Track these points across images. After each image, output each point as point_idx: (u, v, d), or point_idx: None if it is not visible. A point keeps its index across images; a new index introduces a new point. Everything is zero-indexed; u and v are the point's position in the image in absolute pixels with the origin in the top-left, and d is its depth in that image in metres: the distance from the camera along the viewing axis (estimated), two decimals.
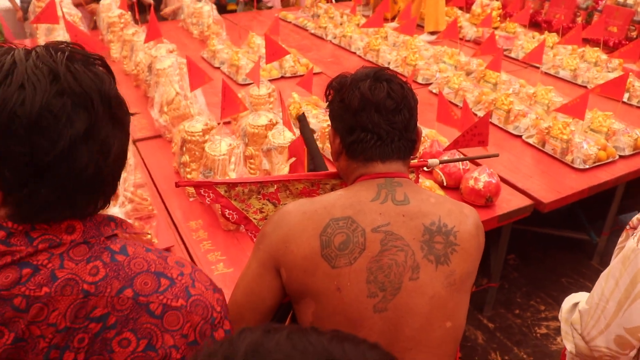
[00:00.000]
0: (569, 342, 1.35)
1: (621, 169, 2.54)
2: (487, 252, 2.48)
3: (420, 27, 4.60)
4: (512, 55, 4.13)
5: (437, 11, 4.54)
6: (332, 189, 1.38)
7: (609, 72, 3.61)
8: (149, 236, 1.87)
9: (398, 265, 1.10)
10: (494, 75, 3.30)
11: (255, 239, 1.28)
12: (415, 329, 1.11)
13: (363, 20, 4.61)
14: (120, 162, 0.82)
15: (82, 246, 0.78)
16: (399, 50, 3.99)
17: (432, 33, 4.54)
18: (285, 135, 2.03)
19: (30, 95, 0.70)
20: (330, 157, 2.45)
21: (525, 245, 3.18)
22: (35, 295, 0.74)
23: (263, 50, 3.06)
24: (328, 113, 1.26)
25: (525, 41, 4.16)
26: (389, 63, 3.84)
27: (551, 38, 4.15)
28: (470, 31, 4.63)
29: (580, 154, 2.51)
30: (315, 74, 3.48)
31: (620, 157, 2.60)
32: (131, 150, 2.19)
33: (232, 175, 2.01)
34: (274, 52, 2.70)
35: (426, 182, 2.14)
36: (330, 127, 1.26)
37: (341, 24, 4.66)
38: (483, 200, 2.14)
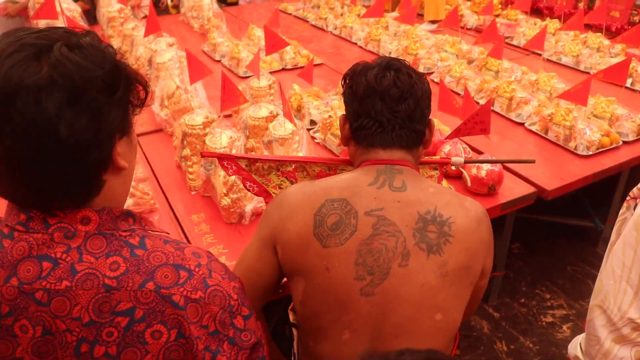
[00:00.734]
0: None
1: (625, 154, 2.51)
2: None
3: (420, 16, 4.58)
4: (514, 42, 4.09)
5: (437, 0, 4.51)
6: None
7: (612, 57, 3.57)
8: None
9: (388, 250, 1.10)
10: (495, 63, 3.28)
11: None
12: (403, 317, 1.11)
13: (364, 11, 4.59)
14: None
15: (98, 238, 0.80)
16: (400, 39, 3.96)
17: (433, 22, 4.51)
18: (286, 127, 2.02)
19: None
20: (331, 148, 2.47)
21: (529, 234, 3.16)
22: (55, 288, 0.77)
23: (263, 43, 3.05)
24: (343, 99, 1.29)
25: (526, 28, 4.12)
26: (390, 53, 3.81)
27: (553, 24, 4.10)
28: (471, 19, 4.59)
29: (584, 141, 2.49)
30: (316, 65, 3.47)
31: (624, 142, 2.58)
32: None
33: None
34: (274, 44, 2.68)
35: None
36: (342, 114, 1.29)
37: (342, 15, 4.64)
38: (486, 188, 2.13)
